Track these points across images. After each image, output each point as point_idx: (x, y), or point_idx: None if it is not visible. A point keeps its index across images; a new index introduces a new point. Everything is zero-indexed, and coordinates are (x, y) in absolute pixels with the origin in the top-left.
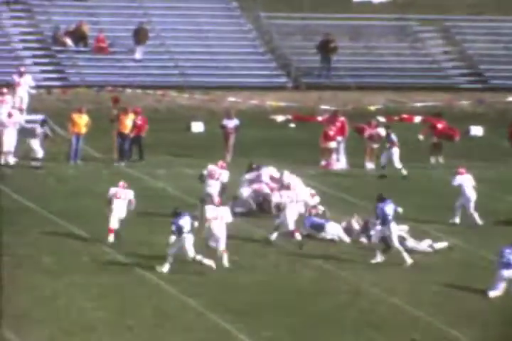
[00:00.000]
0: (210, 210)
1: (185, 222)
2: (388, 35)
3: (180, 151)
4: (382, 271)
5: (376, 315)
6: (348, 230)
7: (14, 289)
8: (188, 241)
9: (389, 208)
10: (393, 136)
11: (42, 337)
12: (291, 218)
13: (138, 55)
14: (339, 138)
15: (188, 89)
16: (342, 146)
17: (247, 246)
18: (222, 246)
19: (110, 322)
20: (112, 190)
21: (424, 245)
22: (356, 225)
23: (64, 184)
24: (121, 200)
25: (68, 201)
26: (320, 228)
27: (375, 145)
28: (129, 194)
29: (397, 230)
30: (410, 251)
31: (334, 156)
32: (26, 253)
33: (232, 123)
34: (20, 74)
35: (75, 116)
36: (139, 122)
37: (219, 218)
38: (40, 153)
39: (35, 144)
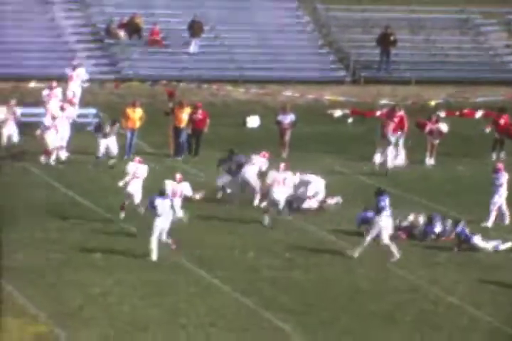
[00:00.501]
0: None
1: None
2: (449, 29)
3: (236, 146)
4: (440, 269)
5: (435, 315)
6: (412, 227)
7: (64, 286)
8: None
9: (386, 202)
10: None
11: (93, 336)
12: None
13: (193, 48)
14: (397, 133)
15: (244, 83)
16: (401, 142)
17: (301, 243)
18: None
19: (163, 321)
20: (168, 185)
21: (490, 245)
22: (420, 221)
23: (117, 179)
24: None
25: (120, 197)
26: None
27: (436, 141)
28: (186, 188)
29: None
30: (474, 249)
31: (392, 152)
32: (76, 250)
33: (287, 118)
34: (73, 67)
35: (129, 111)
36: (199, 117)
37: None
38: (114, 150)
39: (111, 143)
